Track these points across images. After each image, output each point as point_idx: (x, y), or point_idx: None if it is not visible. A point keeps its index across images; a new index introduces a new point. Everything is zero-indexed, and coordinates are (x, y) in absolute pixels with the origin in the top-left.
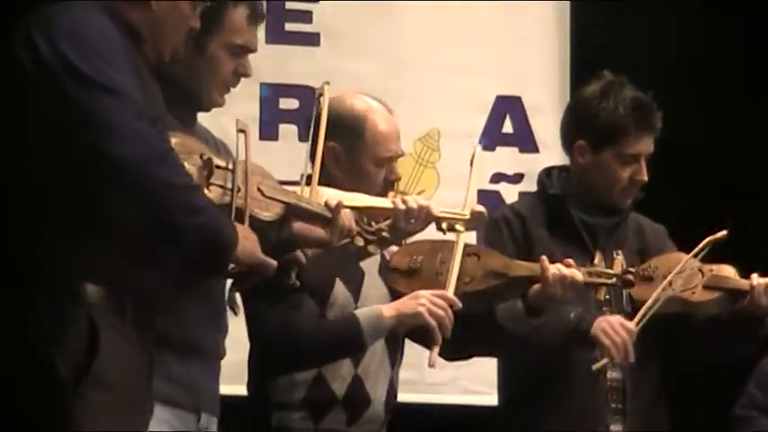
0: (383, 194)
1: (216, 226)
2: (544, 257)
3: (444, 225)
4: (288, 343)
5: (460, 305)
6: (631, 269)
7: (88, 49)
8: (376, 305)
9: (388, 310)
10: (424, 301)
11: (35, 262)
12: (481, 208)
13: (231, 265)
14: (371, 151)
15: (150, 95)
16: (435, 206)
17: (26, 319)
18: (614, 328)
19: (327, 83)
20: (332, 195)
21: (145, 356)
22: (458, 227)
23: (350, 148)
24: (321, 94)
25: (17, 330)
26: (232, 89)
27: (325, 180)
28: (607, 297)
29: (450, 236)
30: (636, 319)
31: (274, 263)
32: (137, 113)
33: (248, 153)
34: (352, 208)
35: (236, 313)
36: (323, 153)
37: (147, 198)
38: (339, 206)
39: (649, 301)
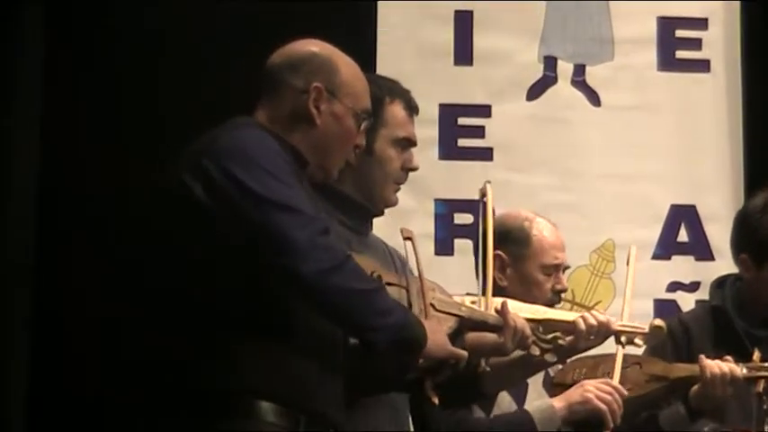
0: (551, 306)
1: (405, 325)
2: (702, 356)
3: (623, 339)
4: None
5: (626, 393)
6: None
7: (259, 170)
8: (545, 400)
9: (558, 401)
10: (590, 388)
11: (210, 379)
12: (660, 322)
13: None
14: (538, 259)
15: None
16: (614, 321)
17: None
18: None
19: (488, 182)
20: (511, 306)
21: None
22: (637, 340)
23: (517, 256)
24: (485, 194)
25: None
26: (407, 208)
27: (495, 291)
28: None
29: (613, 349)
30: None
31: (465, 354)
32: (312, 227)
33: (418, 259)
34: (532, 320)
35: (435, 403)
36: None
37: (332, 306)
38: (506, 308)
39: None
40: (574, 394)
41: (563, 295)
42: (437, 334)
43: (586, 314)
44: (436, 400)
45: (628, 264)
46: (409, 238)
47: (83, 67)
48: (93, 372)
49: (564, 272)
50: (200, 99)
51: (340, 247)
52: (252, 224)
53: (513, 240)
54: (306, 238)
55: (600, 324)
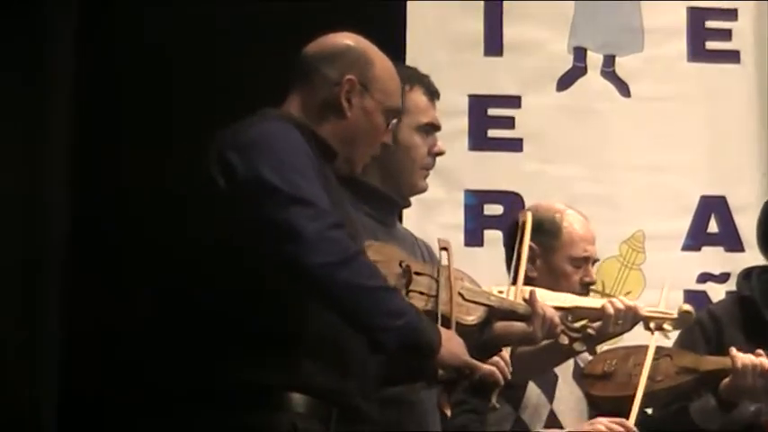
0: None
1: (417, 329)
2: (733, 348)
3: (652, 325)
4: None
5: None
6: None
7: (281, 165)
8: (557, 429)
9: None
10: (601, 428)
11: (241, 371)
12: (689, 307)
13: (440, 372)
14: (567, 251)
15: (339, 209)
16: (642, 306)
17: (232, 427)
18: None
19: (529, 210)
20: (539, 295)
21: None
22: (665, 326)
23: (546, 247)
24: (524, 221)
25: None
26: (437, 199)
27: (525, 281)
28: None
29: (643, 340)
30: None
31: (481, 365)
32: (325, 221)
33: (451, 269)
34: (560, 308)
35: (447, 416)
36: (520, 253)
37: (338, 302)
38: (534, 297)
39: None
40: (584, 431)
41: (591, 287)
42: (453, 343)
43: (614, 299)
44: (449, 413)
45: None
46: (445, 249)
47: (115, 66)
48: (124, 365)
49: (593, 265)
50: (233, 96)
51: (352, 242)
52: (263, 215)
53: (544, 232)
54: (314, 230)
55: (627, 308)
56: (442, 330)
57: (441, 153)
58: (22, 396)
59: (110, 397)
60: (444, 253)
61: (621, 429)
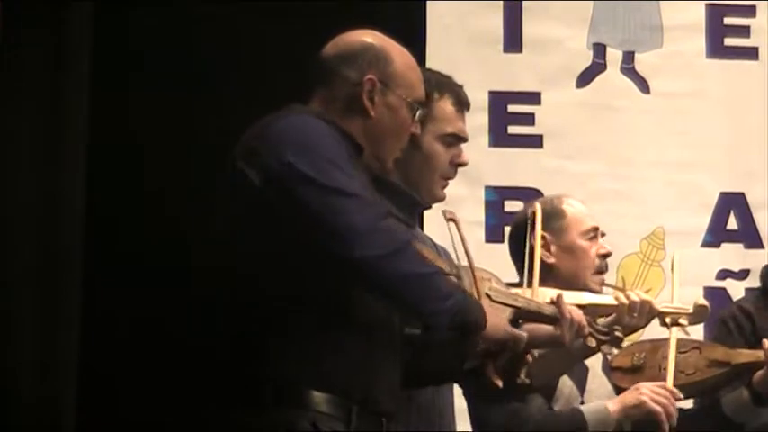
0: (600, 273)
1: (464, 308)
2: (766, 341)
3: (668, 320)
4: None
5: (682, 396)
6: None
7: (314, 155)
8: (600, 401)
9: (613, 404)
10: (645, 391)
11: (261, 368)
12: (704, 301)
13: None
14: (577, 226)
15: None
16: (657, 301)
17: (251, 425)
18: None
19: (538, 202)
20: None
21: None
22: (681, 321)
23: (557, 230)
24: (534, 211)
25: None
26: (458, 195)
27: (544, 271)
28: None
29: (666, 334)
30: None
31: (524, 335)
32: (371, 211)
33: (464, 239)
34: (576, 306)
35: (498, 386)
36: (533, 246)
37: (395, 291)
38: (561, 299)
39: None
40: (628, 397)
41: (605, 278)
42: (495, 317)
43: (628, 292)
44: (500, 383)
45: (672, 270)
46: (452, 220)
47: (132, 66)
48: (144, 362)
49: (602, 237)
50: (253, 94)
51: (401, 230)
52: (310, 210)
53: (548, 218)
54: (366, 223)
55: (643, 302)
56: (485, 305)
57: (463, 164)
58: (42, 395)
59: (129, 394)
60: (453, 225)
61: (665, 392)
